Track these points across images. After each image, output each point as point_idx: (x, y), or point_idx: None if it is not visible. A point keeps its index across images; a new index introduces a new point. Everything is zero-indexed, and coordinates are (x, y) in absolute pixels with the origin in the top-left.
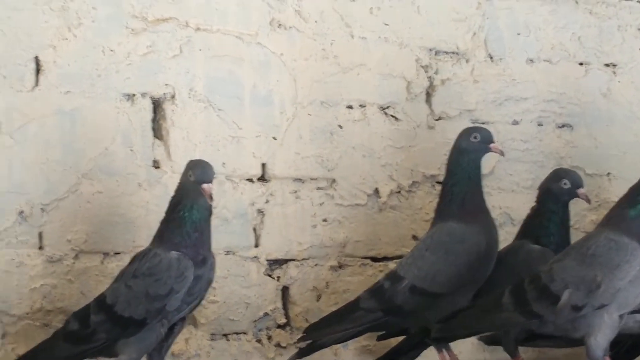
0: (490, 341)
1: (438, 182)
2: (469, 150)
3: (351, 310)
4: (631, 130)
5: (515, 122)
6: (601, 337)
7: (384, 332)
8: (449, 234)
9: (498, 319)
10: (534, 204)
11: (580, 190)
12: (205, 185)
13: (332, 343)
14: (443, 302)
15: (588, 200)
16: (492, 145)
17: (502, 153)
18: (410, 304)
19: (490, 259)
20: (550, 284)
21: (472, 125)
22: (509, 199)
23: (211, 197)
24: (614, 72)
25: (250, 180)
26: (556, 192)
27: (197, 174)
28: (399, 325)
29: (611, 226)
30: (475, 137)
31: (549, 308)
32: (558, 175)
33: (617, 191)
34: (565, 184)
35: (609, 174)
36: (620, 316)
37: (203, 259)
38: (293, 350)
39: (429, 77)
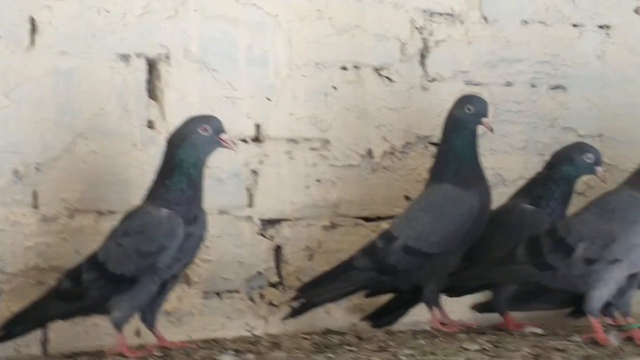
0: (483, 309)
1: (431, 143)
2: (463, 121)
3: (344, 270)
4: (624, 92)
5: (509, 84)
6: (605, 292)
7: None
8: (444, 196)
9: (511, 270)
10: (529, 164)
11: (599, 169)
12: (224, 136)
13: (325, 302)
14: (435, 262)
15: (604, 179)
16: (483, 120)
17: (491, 130)
18: (403, 263)
19: (482, 222)
20: (567, 236)
21: (468, 94)
22: (501, 160)
23: (234, 143)
24: (608, 34)
25: (244, 140)
26: (579, 165)
27: (215, 127)
28: (392, 284)
29: (632, 184)
30: (469, 109)
31: (563, 261)
32: (583, 148)
33: (608, 152)
34: (589, 158)
35: (600, 135)
36: (631, 276)
37: (195, 217)
38: (285, 309)
39: (423, 39)
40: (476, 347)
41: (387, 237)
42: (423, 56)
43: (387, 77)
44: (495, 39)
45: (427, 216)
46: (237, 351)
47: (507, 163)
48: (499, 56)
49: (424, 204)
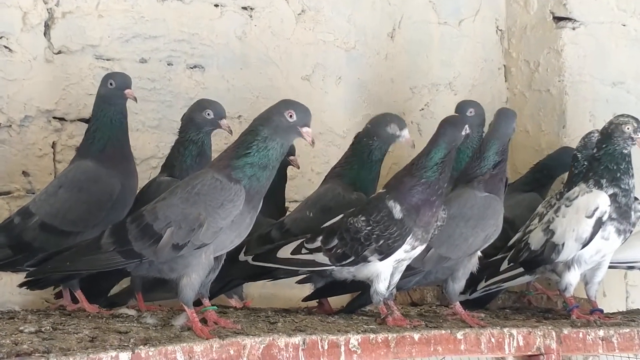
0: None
1: (55, 118)
2: (107, 97)
3: None
4: (265, 75)
5: (143, 60)
6: (196, 278)
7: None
8: (85, 173)
9: (96, 259)
10: (160, 143)
11: (223, 121)
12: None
13: None
14: (72, 241)
15: (230, 131)
16: (126, 91)
17: (135, 99)
18: (40, 241)
19: (124, 203)
20: (154, 222)
21: (111, 71)
22: (133, 138)
23: None
24: (251, 16)
25: None
26: (198, 122)
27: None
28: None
29: (215, 168)
30: (111, 84)
31: (151, 247)
32: (201, 105)
33: None
34: (208, 114)
35: (239, 116)
36: (216, 258)
37: None
38: None
39: (49, 9)
40: (33, 328)
41: (24, 213)
42: (48, 27)
43: (6, 47)
44: (129, 13)
45: (66, 193)
46: None
47: (138, 141)
48: (133, 32)
49: (63, 180)
